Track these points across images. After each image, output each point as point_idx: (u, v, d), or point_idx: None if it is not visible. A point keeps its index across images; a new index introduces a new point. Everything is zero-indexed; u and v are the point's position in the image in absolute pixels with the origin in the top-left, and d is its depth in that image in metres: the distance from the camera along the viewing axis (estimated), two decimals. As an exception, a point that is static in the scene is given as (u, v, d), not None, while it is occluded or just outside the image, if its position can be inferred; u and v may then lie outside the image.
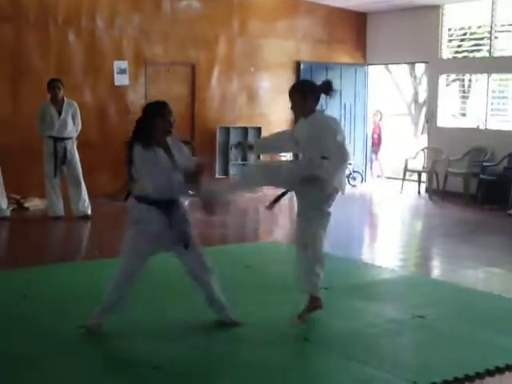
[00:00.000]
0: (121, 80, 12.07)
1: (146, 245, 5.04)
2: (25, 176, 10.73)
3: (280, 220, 11.18)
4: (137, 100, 12.28)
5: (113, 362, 4.71)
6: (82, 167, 10.06)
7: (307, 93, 5.48)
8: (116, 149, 11.77)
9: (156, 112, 5.09)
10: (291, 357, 4.87)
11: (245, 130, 13.46)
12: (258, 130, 13.55)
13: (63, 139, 9.86)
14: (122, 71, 12.09)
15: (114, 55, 12.05)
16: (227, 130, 13.26)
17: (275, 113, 13.88)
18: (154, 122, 5.06)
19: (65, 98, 9.96)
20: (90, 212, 10.10)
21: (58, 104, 9.89)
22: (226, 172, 13.21)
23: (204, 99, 13.04)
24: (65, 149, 9.88)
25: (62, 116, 9.85)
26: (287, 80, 13.98)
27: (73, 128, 9.95)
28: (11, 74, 11.04)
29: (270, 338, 5.20)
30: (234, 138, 13.24)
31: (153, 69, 12.46)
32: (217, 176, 13.05)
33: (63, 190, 10.06)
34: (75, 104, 10.02)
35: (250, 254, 8.17)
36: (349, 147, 5.37)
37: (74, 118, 9.94)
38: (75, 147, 9.99)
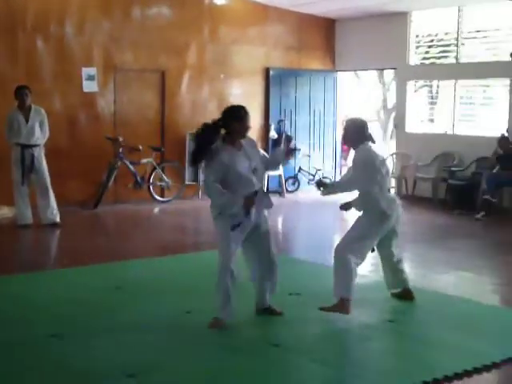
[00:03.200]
0: (89, 87, 12.00)
1: None
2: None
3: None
4: (106, 106, 12.23)
5: (88, 369, 4.66)
6: (51, 174, 9.98)
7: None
8: (86, 156, 11.86)
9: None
10: (262, 362, 4.86)
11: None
12: (229, 136, 13.53)
13: (30, 146, 9.79)
14: (91, 77, 12.02)
15: (84, 62, 11.97)
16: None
17: (245, 119, 13.89)
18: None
19: (32, 105, 9.88)
20: (58, 220, 10.03)
21: (26, 111, 9.82)
22: (195, 178, 13.15)
23: (174, 106, 13.01)
24: (32, 156, 9.81)
25: (29, 123, 9.78)
26: (257, 86, 14.06)
27: (40, 135, 9.87)
28: (-21, 81, 10.93)
29: (241, 343, 5.20)
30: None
31: (122, 75, 12.41)
32: (186, 182, 13.02)
33: (32, 198, 9.98)
34: (43, 111, 9.94)
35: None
36: None
37: (41, 125, 9.86)
38: (43, 154, 9.91)
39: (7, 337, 5.27)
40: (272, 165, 6.26)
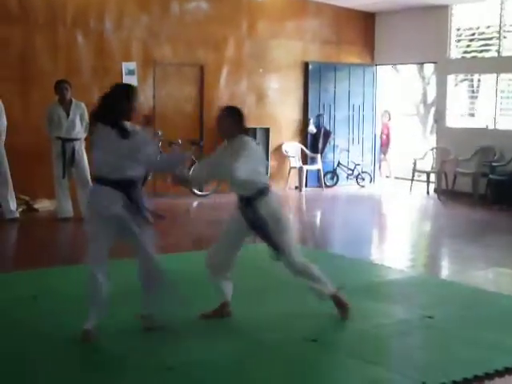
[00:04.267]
0: (129, 81, 12.04)
1: None
2: (34, 177, 10.76)
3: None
4: (145, 101, 12.30)
5: (127, 363, 4.69)
6: (91, 168, 10.06)
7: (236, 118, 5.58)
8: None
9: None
10: (300, 358, 4.84)
11: (253, 130, 13.45)
12: (267, 130, 13.56)
13: (71, 140, 9.89)
14: (131, 72, 12.11)
15: (123, 56, 12.07)
16: (235, 131, 13.22)
17: (283, 113, 13.91)
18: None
19: (73, 99, 9.98)
20: (98, 213, 10.10)
21: (66, 105, 9.92)
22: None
23: (212, 100, 13.04)
24: (73, 150, 9.91)
25: (70, 117, 9.88)
26: (296, 81, 14.03)
27: (81, 129, 9.96)
28: (20, 76, 11.06)
29: (279, 339, 5.19)
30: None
31: (161, 70, 12.48)
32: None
33: (72, 191, 10.09)
34: (83, 105, 10.03)
35: (261, 255, 8.08)
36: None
37: (82, 119, 9.95)
38: (83, 148, 10.00)
39: (50, 328, 5.33)
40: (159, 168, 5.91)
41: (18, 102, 11.04)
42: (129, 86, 5.33)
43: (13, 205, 9.94)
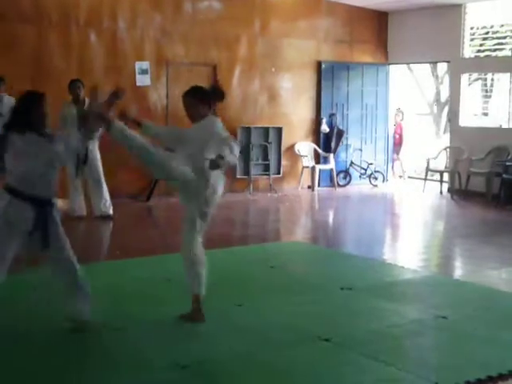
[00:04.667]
0: (142, 80, 12.11)
1: None
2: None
3: (301, 219, 11.19)
4: (158, 100, 12.32)
5: (140, 361, 4.70)
6: (104, 167, 10.10)
7: (200, 99, 5.49)
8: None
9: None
10: (313, 357, 4.84)
11: (266, 129, 13.46)
12: (279, 129, 13.54)
13: (85, 139, 9.90)
14: (144, 72, 12.13)
15: (136, 56, 12.09)
16: (248, 130, 13.25)
17: (296, 113, 13.89)
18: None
19: (86, 99, 9.99)
20: (111, 212, 10.13)
21: (80, 104, 9.93)
22: (247, 172, 13.21)
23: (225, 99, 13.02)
24: (86, 149, 9.88)
25: (83, 116, 9.89)
26: (308, 80, 14.02)
27: (94, 128, 9.97)
28: (33, 75, 11.07)
29: (292, 338, 5.18)
30: (254, 138, 13.25)
31: (174, 69, 12.49)
32: (238, 176, 13.05)
33: (85, 191, 10.12)
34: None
35: (273, 253, 8.16)
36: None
37: (95, 119, 9.96)
38: (97, 147, 10.03)
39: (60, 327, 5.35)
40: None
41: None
42: (38, 93, 5.13)
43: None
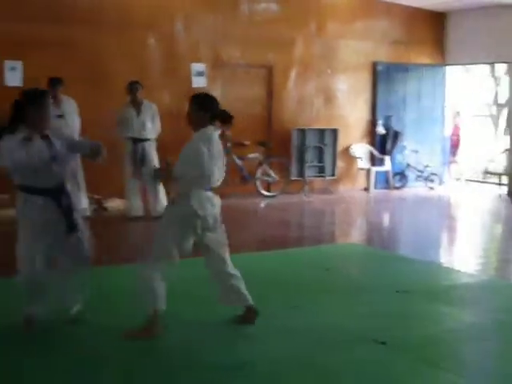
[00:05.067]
0: (198, 82, 12.20)
1: None
2: (105, 177, 10.93)
3: (356, 221, 11.13)
4: (214, 102, 12.38)
5: (195, 362, 4.73)
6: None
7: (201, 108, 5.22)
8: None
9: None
10: (368, 360, 4.80)
11: (321, 131, 13.43)
12: (335, 131, 13.50)
13: (142, 140, 10.03)
14: (200, 73, 12.22)
15: (192, 58, 12.18)
16: (303, 132, 13.24)
17: (352, 114, 13.83)
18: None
19: (144, 100, 10.12)
20: (167, 212, 10.21)
21: (137, 105, 10.07)
22: (301, 174, 13.20)
23: (280, 101, 13.06)
24: (143, 149, 10.05)
25: (140, 117, 10.02)
26: (364, 81, 13.94)
27: (151, 129, 10.09)
28: (91, 77, 11.25)
29: (347, 340, 5.17)
30: (309, 140, 13.23)
31: (230, 71, 12.55)
32: (292, 178, 13.06)
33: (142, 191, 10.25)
34: (154, 106, 10.17)
35: (328, 255, 8.14)
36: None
37: (152, 120, 10.09)
38: (154, 148, 10.14)
39: (114, 323, 5.41)
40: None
41: (89, 102, 11.22)
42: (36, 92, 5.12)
43: (84, 203, 10.11)
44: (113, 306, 5.89)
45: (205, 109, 5.20)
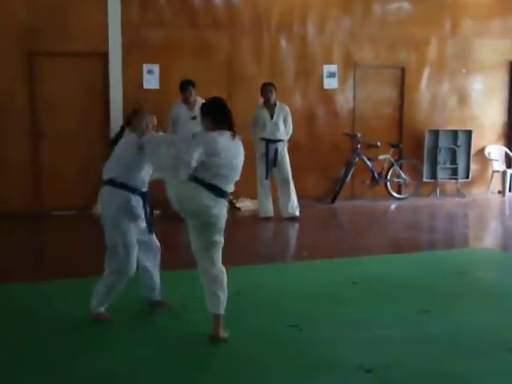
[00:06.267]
0: (330, 83, 12.24)
1: None
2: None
3: (491, 225, 10.84)
4: (345, 103, 12.39)
5: (324, 363, 4.77)
6: (292, 169, 10.30)
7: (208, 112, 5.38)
8: (324, 151, 12.14)
9: None
10: (504, 370, 4.65)
11: (454, 132, 13.14)
12: (469, 132, 13.17)
13: (275, 141, 10.15)
14: (332, 75, 12.25)
15: (324, 59, 12.23)
16: (436, 134, 12.99)
17: (488, 116, 13.44)
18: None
19: (277, 102, 10.26)
20: (298, 213, 10.31)
21: (271, 107, 10.21)
22: (434, 176, 12.96)
23: (413, 102, 12.89)
24: (276, 151, 10.16)
25: (273, 119, 10.15)
26: (501, 81, 13.52)
27: (284, 131, 10.20)
28: (227, 79, 11.53)
29: (482, 348, 5.04)
30: (442, 141, 12.98)
31: (362, 72, 12.51)
32: (424, 180, 12.86)
33: (273, 192, 10.37)
34: (287, 108, 10.28)
35: (462, 259, 7.98)
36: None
37: (285, 121, 10.20)
38: (286, 150, 10.25)
39: (252, 323, 5.54)
40: None
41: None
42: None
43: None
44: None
45: (206, 114, 5.36)
